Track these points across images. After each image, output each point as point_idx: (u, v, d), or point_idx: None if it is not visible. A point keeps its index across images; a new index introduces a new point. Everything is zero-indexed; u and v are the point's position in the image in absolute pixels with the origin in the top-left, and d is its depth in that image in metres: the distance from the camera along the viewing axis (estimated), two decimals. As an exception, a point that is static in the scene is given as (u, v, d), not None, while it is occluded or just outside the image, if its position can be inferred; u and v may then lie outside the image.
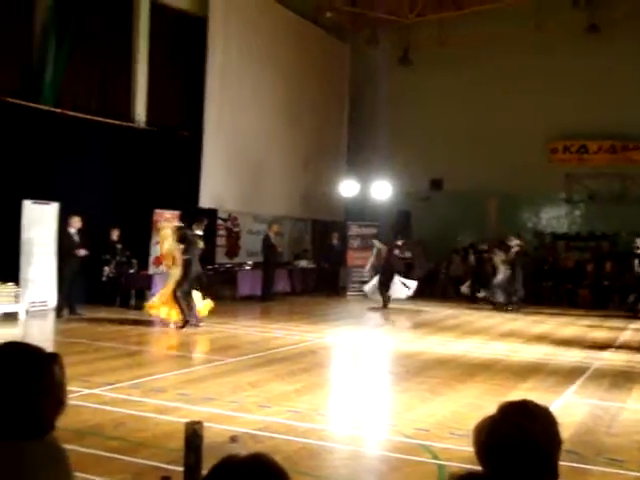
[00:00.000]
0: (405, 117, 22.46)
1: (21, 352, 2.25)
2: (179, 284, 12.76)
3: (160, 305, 12.87)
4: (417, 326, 14.85)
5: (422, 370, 9.65)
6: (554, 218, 21.86)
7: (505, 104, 21.10)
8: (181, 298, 12.66)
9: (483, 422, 2.01)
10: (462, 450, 5.90)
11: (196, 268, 13.15)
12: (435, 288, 21.05)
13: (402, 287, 17.86)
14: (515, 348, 11.83)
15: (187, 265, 12.90)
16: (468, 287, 19.62)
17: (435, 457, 5.80)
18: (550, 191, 21.29)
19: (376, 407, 7.88)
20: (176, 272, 12.95)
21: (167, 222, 14.62)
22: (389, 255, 18.07)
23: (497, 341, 12.61)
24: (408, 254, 19.86)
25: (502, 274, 17.97)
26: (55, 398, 2.22)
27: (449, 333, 13.52)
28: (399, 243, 18.79)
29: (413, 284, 18.01)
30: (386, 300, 17.63)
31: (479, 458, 1.99)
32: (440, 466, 5.61)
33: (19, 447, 2.10)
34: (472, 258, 20.46)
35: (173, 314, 12.78)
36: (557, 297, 19.69)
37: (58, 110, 14.71)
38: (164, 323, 12.91)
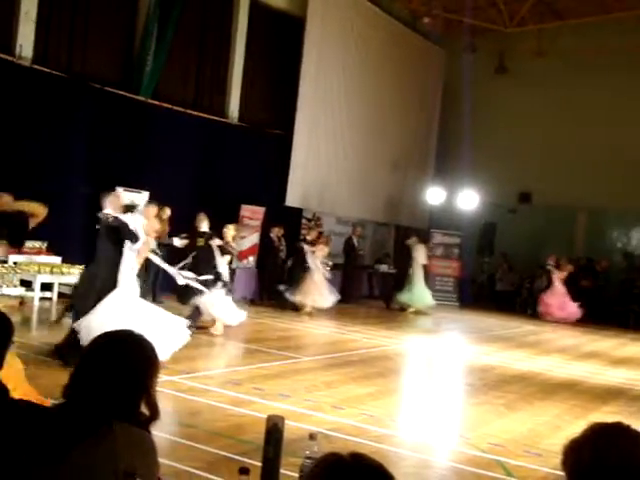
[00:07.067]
0: (497, 127, 22.10)
1: (140, 340, 2.35)
2: None
3: None
4: (496, 340, 14.59)
5: (499, 384, 9.47)
6: (645, 240, 21.15)
7: (602, 119, 20.46)
8: None
9: (579, 444, 1.89)
10: (538, 469, 5.77)
11: None
12: (518, 303, 20.74)
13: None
14: (597, 370, 11.47)
15: None
16: None
17: (509, 474, 5.67)
18: (643, 211, 20.56)
19: (450, 418, 7.78)
20: None
21: None
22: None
23: (579, 361, 12.26)
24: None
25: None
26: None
27: (529, 349, 13.23)
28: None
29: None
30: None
31: None
32: (514, 484, 5.50)
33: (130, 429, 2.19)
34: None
35: None
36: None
37: (155, 102, 15.10)
38: None
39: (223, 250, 11.53)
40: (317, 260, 15.44)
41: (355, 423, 6.69)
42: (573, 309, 18.52)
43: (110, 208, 8.27)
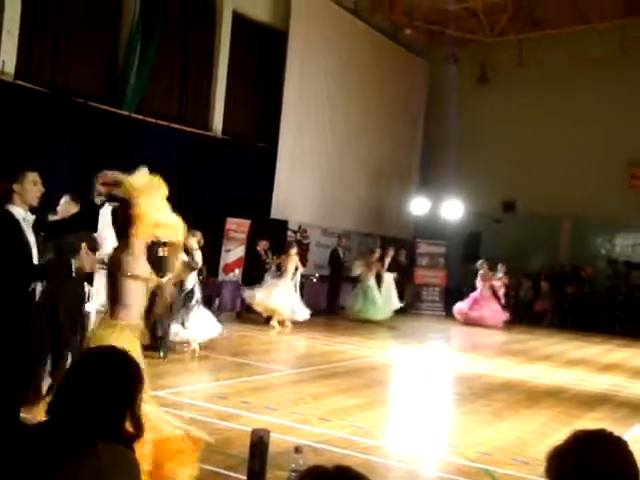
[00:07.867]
0: (480, 137, 22.19)
1: (124, 357, 2.35)
2: None
3: None
4: (482, 348, 14.63)
5: (486, 393, 9.49)
6: (629, 246, 21.24)
7: (585, 127, 20.62)
8: None
9: (562, 451, 1.91)
10: (525, 477, 5.79)
11: None
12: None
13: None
14: (583, 377, 11.54)
15: None
16: None
17: (497, 483, 5.69)
18: (627, 218, 20.60)
19: (437, 427, 7.79)
20: None
21: None
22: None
23: (565, 368, 12.32)
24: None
25: None
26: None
27: (515, 357, 13.27)
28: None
29: None
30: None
31: None
32: (501, 492, 5.51)
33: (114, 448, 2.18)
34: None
35: None
36: (631, 328, 19.12)
37: (139, 116, 15.07)
38: None
39: (186, 266, 10.77)
40: (287, 273, 15.37)
41: (343, 435, 6.69)
42: (495, 314, 18.76)
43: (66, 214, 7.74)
